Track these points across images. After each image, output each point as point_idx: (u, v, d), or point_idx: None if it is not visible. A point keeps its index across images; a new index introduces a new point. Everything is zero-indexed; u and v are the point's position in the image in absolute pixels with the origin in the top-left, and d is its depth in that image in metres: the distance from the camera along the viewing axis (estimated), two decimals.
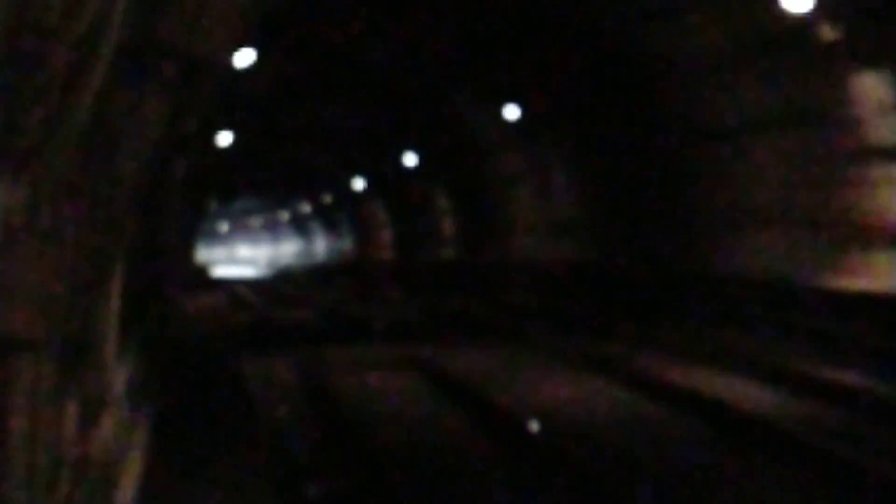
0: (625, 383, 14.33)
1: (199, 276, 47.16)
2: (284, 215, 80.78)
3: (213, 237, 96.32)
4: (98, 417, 5.93)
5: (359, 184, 52.37)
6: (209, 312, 28.40)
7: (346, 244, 66.45)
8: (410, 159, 41.43)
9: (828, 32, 16.98)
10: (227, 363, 16.01)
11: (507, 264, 36.02)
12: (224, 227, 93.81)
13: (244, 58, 17.16)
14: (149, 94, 5.93)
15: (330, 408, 12.48)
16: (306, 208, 72.67)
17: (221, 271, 67.42)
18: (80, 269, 5.09)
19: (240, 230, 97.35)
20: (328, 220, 69.28)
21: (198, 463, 8.56)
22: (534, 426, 10.66)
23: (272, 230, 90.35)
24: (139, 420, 8.92)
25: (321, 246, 75.50)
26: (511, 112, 29.42)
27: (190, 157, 15.39)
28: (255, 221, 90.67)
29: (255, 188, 64.42)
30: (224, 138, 27.44)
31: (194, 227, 36.78)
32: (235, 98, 21.34)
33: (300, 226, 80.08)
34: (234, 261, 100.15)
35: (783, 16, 17.35)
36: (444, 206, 43.90)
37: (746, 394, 13.24)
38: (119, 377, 6.88)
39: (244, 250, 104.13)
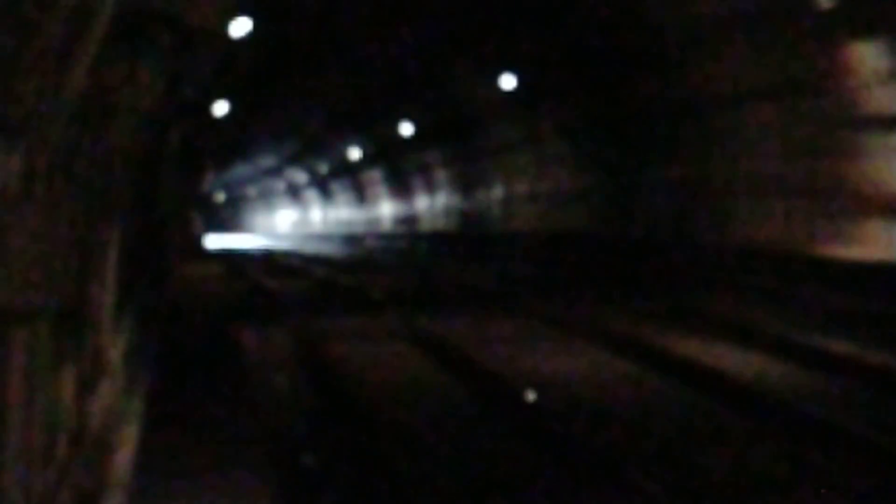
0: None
1: (196, 247, 47.17)
2: (280, 185, 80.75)
3: (210, 207, 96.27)
4: (95, 386, 5.96)
5: (355, 153, 52.33)
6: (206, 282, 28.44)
7: (342, 214, 66.43)
8: (407, 129, 41.39)
9: (823, 1, 16.94)
10: (223, 332, 16.05)
11: (504, 234, 36.04)
12: (220, 196, 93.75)
13: (240, 27, 17.10)
14: (144, 63, 5.93)
15: (325, 375, 12.53)
16: (302, 177, 72.60)
17: (218, 242, 67.35)
18: (76, 239, 5.10)
19: (236, 199, 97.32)
20: (324, 189, 69.24)
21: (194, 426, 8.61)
22: (530, 396, 10.72)
23: (268, 199, 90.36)
24: (136, 388, 8.96)
25: (317, 215, 75.48)
26: (507, 82, 29.40)
27: (186, 127, 15.40)
28: (252, 191, 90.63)
29: (251, 158, 64.36)
30: (220, 108, 27.38)
31: (191, 196, 36.80)
32: (232, 67, 21.32)
33: (295, 195, 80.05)
34: (230, 230, 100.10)
35: None
36: (441, 177, 43.90)
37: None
38: (116, 346, 6.91)
39: (240, 219, 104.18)
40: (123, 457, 6.64)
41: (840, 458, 8.48)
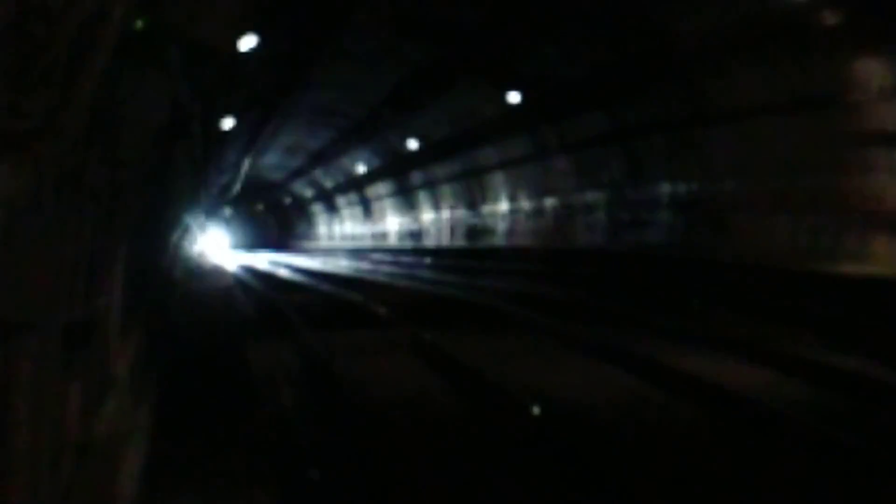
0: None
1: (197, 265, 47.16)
2: (286, 199, 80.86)
3: (216, 221, 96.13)
4: (102, 398, 5.97)
5: (361, 167, 52.38)
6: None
7: (347, 228, 66.44)
8: (413, 143, 41.44)
9: (829, 17, 16.95)
10: (230, 346, 16.06)
11: (510, 249, 36.04)
12: (226, 210, 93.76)
13: (247, 42, 17.11)
14: (151, 78, 5.96)
15: (332, 392, 12.54)
16: (308, 192, 72.67)
17: (222, 258, 67.31)
18: (84, 252, 5.12)
19: (243, 214, 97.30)
20: (330, 204, 69.27)
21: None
22: (535, 409, 10.73)
23: (276, 213, 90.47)
24: (144, 401, 8.96)
25: (323, 230, 75.52)
26: (513, 97, 29.45)
27: (194, 142, 15.40)
28: (259, 205, 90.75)
29: (257, 172, 64.42)
30: (227, 122, 27.41)
31: (198, 212, 36.82)
32: (239, 82, 21.36)
33: (302, 210, 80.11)
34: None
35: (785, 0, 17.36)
36: (446, 192, 43.94)
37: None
38: (123, 359, 6.92)
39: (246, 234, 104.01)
40: (130, 470, 6.64)
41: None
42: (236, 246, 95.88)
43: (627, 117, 25.85)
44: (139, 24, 5.11)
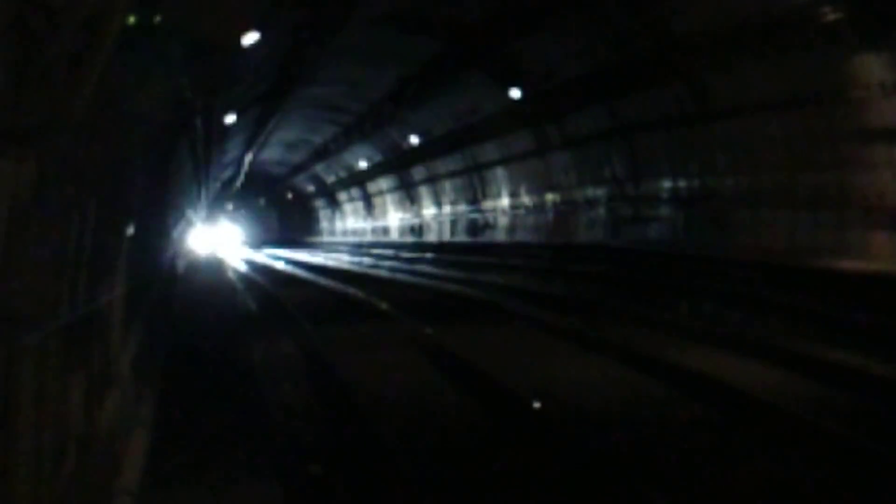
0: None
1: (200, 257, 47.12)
2: (289, 194, 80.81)
3: (219, 216, 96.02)
4: (104, 394, 5.99)
5: (363, 163, 52.36)
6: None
7: (348, 224, 66.41)
8: (414, 138, 41.41)
9: (829, 14, 16.93)
10: (233, 340, 16.07)
11: (512, 245, 36.02)
12: (229, 205, 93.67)
13: (249, 38, 17.13)
14: (154, 74, 5.97)
15: (331, 385, 12.55)
16: (309, 187, 72.62)
17: (225, 253, 67.25)
18: (86, 248, 5.14)
19: (244, 209, 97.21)
20: (331, 199, 69.22)
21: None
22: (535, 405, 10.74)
23: (277, 209, 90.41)
24: (145, 395, 8.98)
25: (325, 226, 75.46)
26: (514, 92, 29.41)
27: (195, 137, 15.40)
28: (261, 200, 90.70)
29: (260, 167, 64.42)
30: (228, 118, 27.42)
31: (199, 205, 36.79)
32: (240, 78, 21.34)
33: (303, 205, 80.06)
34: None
35: None
36: (448, 187, 43.92)
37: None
38: (126, 353, 6.94)
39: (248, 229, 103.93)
40: (132, 464, 6.67)
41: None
42: (237, 240, 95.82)
43: (629, 113, 25.83)
44: (142, 20, 5.13)
